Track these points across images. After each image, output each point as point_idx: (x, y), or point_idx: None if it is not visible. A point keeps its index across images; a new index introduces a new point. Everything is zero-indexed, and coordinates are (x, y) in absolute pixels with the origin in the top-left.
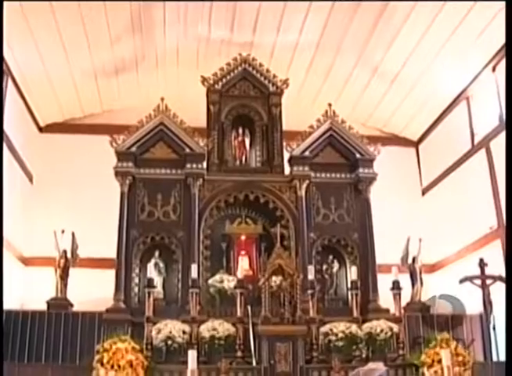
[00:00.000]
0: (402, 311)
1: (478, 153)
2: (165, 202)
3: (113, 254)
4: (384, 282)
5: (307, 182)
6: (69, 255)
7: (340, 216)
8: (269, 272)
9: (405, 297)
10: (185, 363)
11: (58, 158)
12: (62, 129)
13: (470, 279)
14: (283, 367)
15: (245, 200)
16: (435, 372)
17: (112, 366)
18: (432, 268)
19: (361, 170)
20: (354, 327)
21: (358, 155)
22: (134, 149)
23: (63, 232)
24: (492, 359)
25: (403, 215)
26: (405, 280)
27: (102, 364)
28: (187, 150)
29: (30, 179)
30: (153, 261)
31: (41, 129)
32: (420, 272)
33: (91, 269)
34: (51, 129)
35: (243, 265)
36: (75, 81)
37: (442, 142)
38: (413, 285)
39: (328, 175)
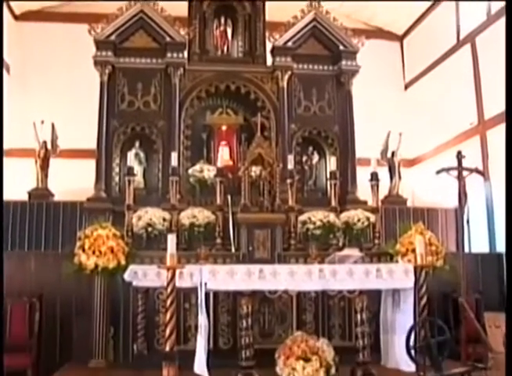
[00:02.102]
0: (380, 203)
1: (463, 49)
2: (145, 92)
3: (93, 145)
4: (362, 175)
5: (289, 73)
6: (49, 146)
7: (321, 108)
8: (249, 162)
9: (383, 191)
10: (166, 249)
11: (35, 48)
12: (39, 17)
13: (446, 170)
14: (261, 254)
15: (226, 90)
16: (409, 260)
17: (93, 252)
18: (411, 162)
19: (344, 62)
20: (332, 216)
21: (341, 47)
22: (113, 37)
23: (42, 123)
24: (463, 250)
25: (384, 109)
26: (383, 174)
27: (83, 250)
28: (168, 39)
29: (7, 70)
30: (133, 151)
31: (16, 17)
32: (399, 166)
33: (72, 160)
34: (27, 17)
35: (223, 155)
36: None
37: (427, 37)
38: (391, 179)
39: (310, 66)
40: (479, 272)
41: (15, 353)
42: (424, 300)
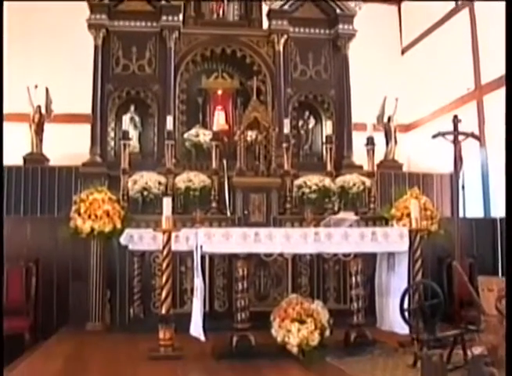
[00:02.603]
0: (375, 168)
1: (461, 13)
2: (140, 55)
3: (88, 110)
4: (358, 140)
5: (285, 36)
6: (43, 111)
7: (317, 72)
8: (245, 126)
9: (379, 156)
10: (161, 213)
11: (27, 11)
12: None
13: (442, 134)
14: (256, 218)
15: (222, 54)
16: (404, 225)
17: (89, 216)
18: (407, 128)
19: (340, 26)
20: (327, 181)
21: (338, 10)
22: (107, 0)
23: (36, 87)
24: (458, 215)
25: (381, 74)
26: (379, 139)
27: (79, 214)
28: (163, 2)
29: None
30: (128, 115)
31: None
32: (395, 132)
33: (67, 125)
34: None
35: (219, 119)
36: None
37: (425, 1)
38: (387, 144)
39: (307, 30)
40: (473, 237)
41: (12, 317)
42: (419, 264)
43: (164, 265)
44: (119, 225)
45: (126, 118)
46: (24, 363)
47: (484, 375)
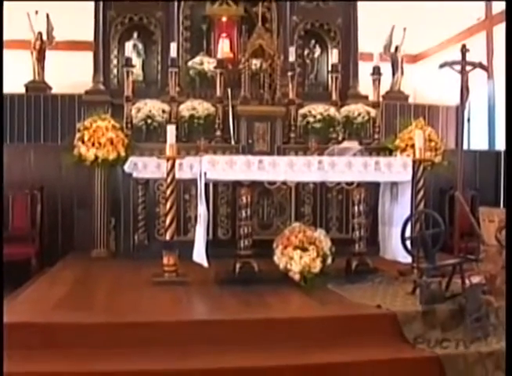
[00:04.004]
0: (381, 99)
1: None
2: None
3: (90, 37)
4: (365, 71)
5: None
6: (44, 37)
7: (324, 0)
8: (249, 53)
9: (385, 87)
10: (165, 141)
11: None
12: None
13: (450, 64)
14: (260, 147)
15: None
16: (408, 155)
17: (93, 144)
18: (414, 58)
19: None
20: (332, 110)
21: None
22: None
23: (36, 13)
24: (462, 147)
25: (389, 3)
26: (386, 70)
27: (83, 142)
28: None
29: None
30: (131, 42)
31: None
32: (402, 62)
33: (69, 52)
34: None
35: (223, 47)
36: None
37: None
38: (394, 74)
39: None
40: (477, 169)
41: (19, 243)
42: (421, 194)
43: (168, 192)
44: (123, 153)
45: (129, 45)
46: (31, 288)
47: (482, 303)
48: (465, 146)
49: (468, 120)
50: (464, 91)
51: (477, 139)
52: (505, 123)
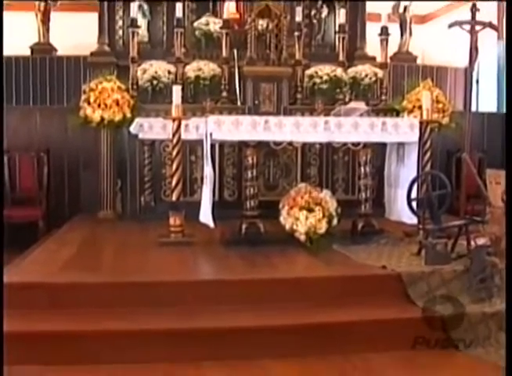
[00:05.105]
0: (388, 60)
1: None
2: None
3: None
4: (372, 32)
5: None
6: None
7: None
8: (256, 13)
9: (393, 48)
10: (171, 103)
11: None
12: None
13: (459, 23)
14: (266, 108)
15: None
16: (415, 117)
17: (99, 106)
18: (423, 19)
19: None
20: (339, 71)
21: None
22: None
23: None
24: (470, 109)
25: None
26: (394, 31)
27: (89, 104)
28: None
29: None
30: (136, 2)
31: None
32: (410, 23)
33: (73, 13)
34: None
35: (229, 7)
36: None
37: None
38: (402, 35)
39: None
40: (484, 131)
41: (26, 206)
42: (428, 155)
43: (174, 153)
44: (129, 115)
45: (134, 6)
46: (39, 250)
47: (486, 264)
48: (473, 108)
49: (477, 81)
50: (473, 51)
51: (485, 101)
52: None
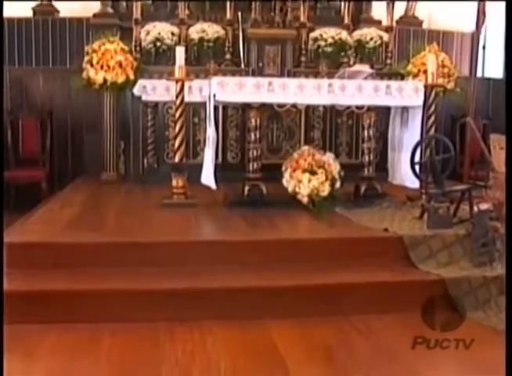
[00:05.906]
0: (394, 24)
1: None
2: None
3: None
4: None
5: None
6: None
7: None
8: None
9: (399, 12)
10: (174, 64)
11: None
12: None
13: None
14: (271, 70)
15: None
16: (420, 80)
17: (102, 67)
18: None
19: None
20: (344, 34)
21: None
22: None
23: None
24: (476, 74)
25: None
26: None
27: (91, 65)
28: None
29: None
30: None
31: None
32: None
33: None
34: None
35: None
36: None
37: None
38: None
39: None
40: (490, 97)
41: (29, 167)
42: (432, 119)
43: (177, 114)
44: (132, 77)
45: None
46: (42, 210)
47: (488, 229)
48: (479, 74)
49: (483, 47)
50: (481, 15)
51: (491, 67)
52: None
